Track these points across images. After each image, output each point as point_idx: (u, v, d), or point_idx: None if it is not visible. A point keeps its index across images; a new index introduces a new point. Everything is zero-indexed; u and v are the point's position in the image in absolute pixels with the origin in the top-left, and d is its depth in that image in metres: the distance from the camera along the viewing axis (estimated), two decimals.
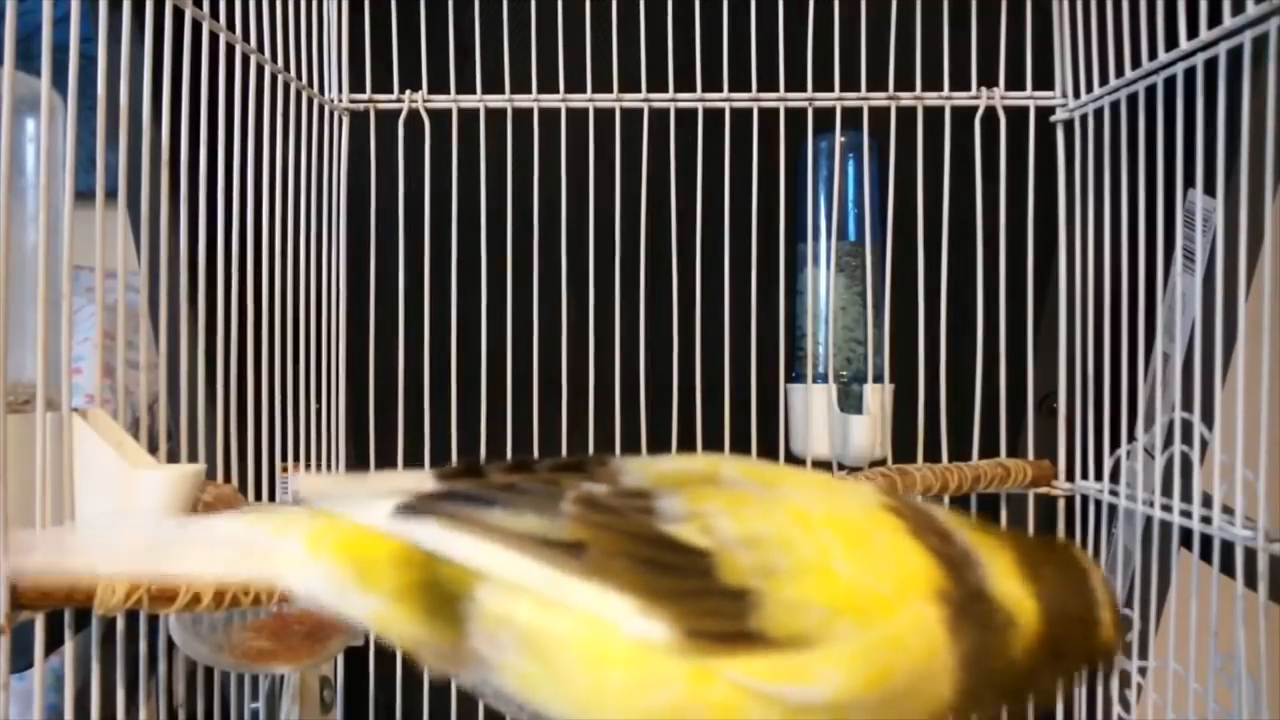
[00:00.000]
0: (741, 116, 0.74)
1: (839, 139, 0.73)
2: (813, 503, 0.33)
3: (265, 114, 0.62)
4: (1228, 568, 0.52)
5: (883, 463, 0.71)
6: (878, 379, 0.73)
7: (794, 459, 0.73)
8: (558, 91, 0.73)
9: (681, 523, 0.31)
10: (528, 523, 0.31)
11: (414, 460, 0.74)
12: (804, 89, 0.73)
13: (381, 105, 0.75)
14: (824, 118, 0.73)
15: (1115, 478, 0.66)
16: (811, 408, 0.72)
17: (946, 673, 0.31)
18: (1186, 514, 0.57)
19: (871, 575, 0.32)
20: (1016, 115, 0.73)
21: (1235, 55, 0.52)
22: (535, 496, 0.32)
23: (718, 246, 0.72)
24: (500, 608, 0.30)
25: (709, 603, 0.30)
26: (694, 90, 0.73)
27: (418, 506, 0.32)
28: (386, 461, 0.74)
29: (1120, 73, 0.65)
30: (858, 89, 0.73)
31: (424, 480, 0.35)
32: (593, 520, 0.31)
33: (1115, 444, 0.67)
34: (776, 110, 0.73)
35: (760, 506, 0.32)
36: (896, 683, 0.31)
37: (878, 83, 0.72)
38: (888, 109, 0.73)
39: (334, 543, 0.32)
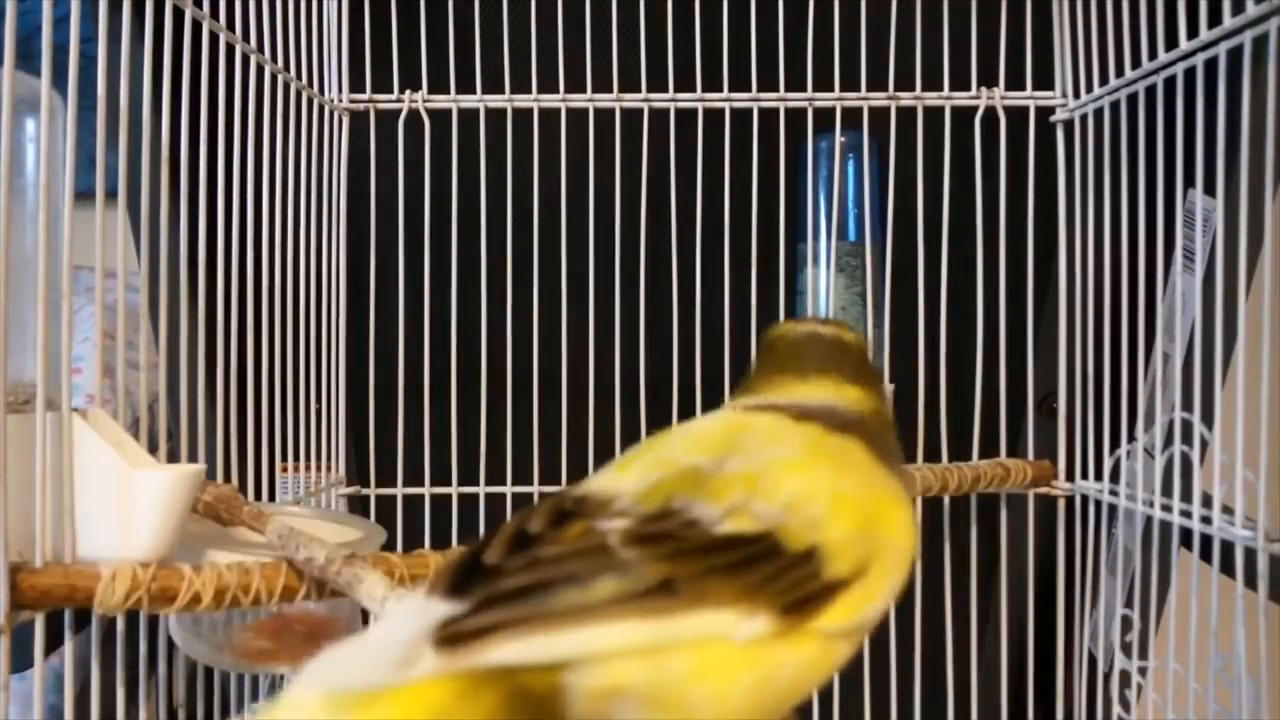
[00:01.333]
0: (741, 116, 0.74)
1: (839, 139, 0.73)
2: (789, 448, 0.35)
3: (265, 114, 0.62)
4: (1228, 568, 0.52)
5: None
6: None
7: None
8: (558, 91, 0.73)
9: (726, 520, 0.31)
10: (605, 586, 0.29)
11: (414, 460, 0.74)
12: (804, 89, 0.73)
13: (381, 105, 0.75)
14: (824, 118, 0.73)
15: (1115, 478, 0.66)
16: None
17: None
18: (1186, 514, 0.57)
19: (868, 487, 0.35)
20: (1016, 115, 0.73)
21: (1235, 55, 0.52)
22: (582, 559, 0.29)
23: (718, 246, 0.72)
24: (602, 681, 0.28)
25: (790, 576, 0.31)
26: (694, 90, 0.73)
27: (466, 634, 0.27)
28: (386, 461, 0.74)
29: (1120, 73, 0.65)
30: (858, 89, 0.73)
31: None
32: (661, 554, 0.30)
33: (1115, 444, 0.67)
34: (776, 110, 0.73)
35: (766, 474, 0.33)
36: (909, 560, 0.34)
37: (878, 83, 0.72)
38: (888, 109, 0.73)
39: None
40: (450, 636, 0.27)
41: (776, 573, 0.30)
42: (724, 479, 0.33)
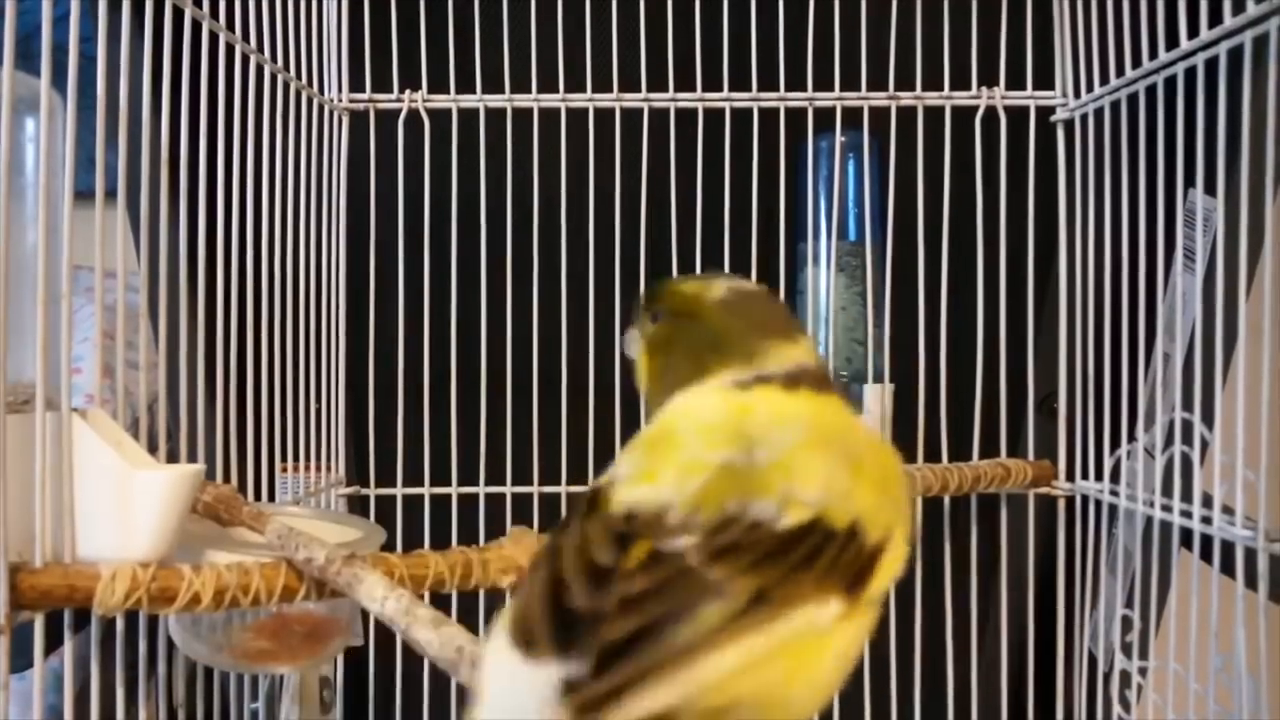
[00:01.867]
0: (742, 116, 0.73)
1: (839, 139, 0.73)
2: (798, 428, 0.35)
3: (265, 114, 0.62)
4: (1228, 568, 0.52)
5: None
6: (878, 379, 0.73)
7: None
8: (557, 91, 0.73)
9: (784, 514, 0.31)
10: (710, 614, 0.28)
11: (413, 460, 0.74)
12: (804, 89, 0.73)
13: (381, 105, 0.75)
14: (824, 117, 0.73)
15: (1116, 478, 0.66)
16: None
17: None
18: (1187, 514, 0.57)
19: (867, 446, 0.36)
20: (1017, 115, 0.73)
21: (1236, 55, 0.52)
22: (676, 590, 0.29)
23: (718, 246, 0.72)
24: (715, 701, 0.28)
25: (846, 556, 0.32)
26: (694, 90, 0.73)
27: (600, 698, 0.27)
28: (386, 461, 0.74)
29: (1121, 72, 0.65)
30: (858, 89, 0.73)
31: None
32: (744, 566, 0.30)
33: (1116, 444, 0.67)
34: (777, 110, 0.73)
35: (795, 460, 0.33)
36: (913, 505, 0.36)
37: (878, 82, 0.72)
38: (888, 109, 0.73)
39: None
40: (585, 704, 0.27)
41: (836, 555, 0.31)
42: (763, 472, 0.33)
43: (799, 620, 0.30)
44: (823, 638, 0.30)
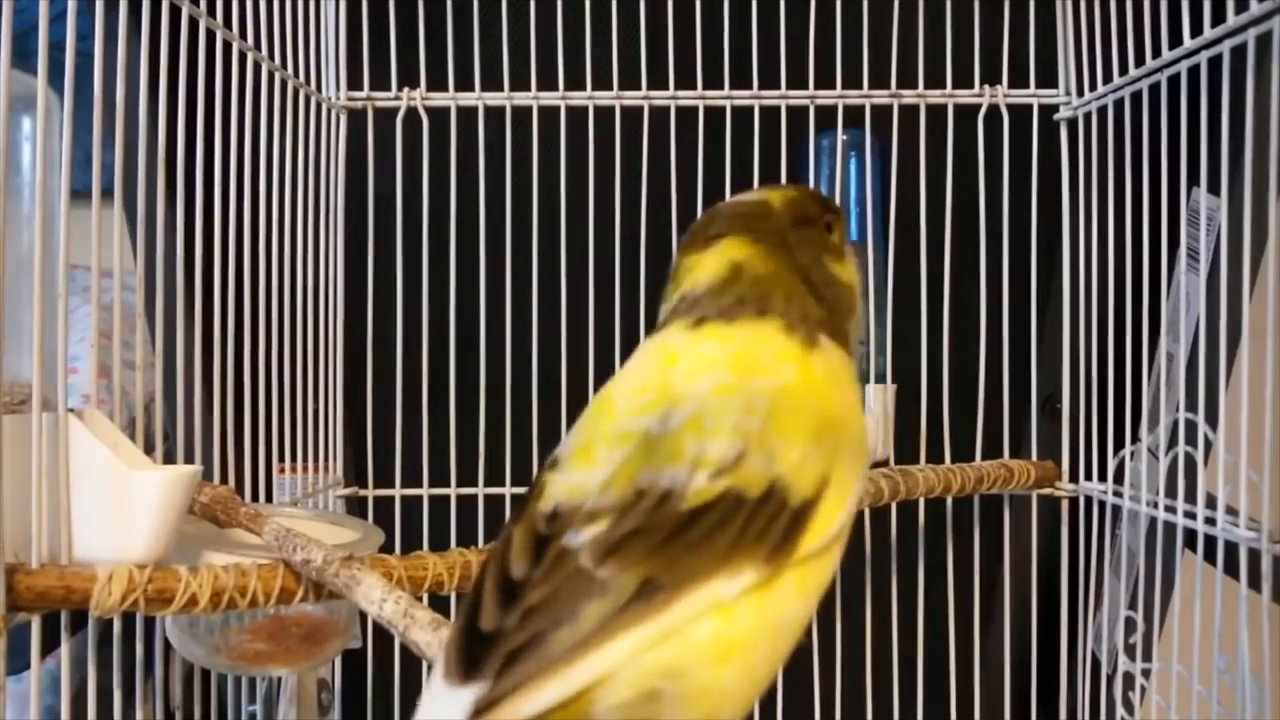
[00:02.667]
0: (743, 114, 0.73)
1: (841, 137, 0.73)
2: (717, 372, 0.34)
3: (262, 112, 0.62)
4: (1232, 569, 0.52)
5: (885, 464, 0.71)
6: (880, 379, 0.73)
7: None
8: (557, 89, 0.73)
9: (694, 476, 0.31)
10: (589, 614, 0.29)
11: (412, 461, 0.74)
12: (806, 87, 0.72)
13: (379, 103, 0.74)
14: (826, 116, 0.73)
15: (1119, 479, 0.66)
16: None
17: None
18: (1190, 515, 0.56)
19: (805, 382, 0.34)
20: (1020, 113, 0.73)
21: (1239, 53, 0.52)
22: (564, 594, 0.29)
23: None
24: (626, 694, 0.28)
25: (758, 523, 0.30)
26: (695, 88, 0.73)
27: (489, 707, 0.28)
28: (384, 462, 0.74)
29: (1124, 70, 0.65)
30: (860, 87, 0.72)
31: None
32: (635, 558, 0.30)
33: (1119, 445, 0.66)
34: (778, 108, 0.73)
35: (707, 413, 0.32)
36: (865, 440, 0.35)
37: (880, 80, 0.72)
38: (890, 107, 0.72)
39: None
40: (478, 714, 0.27)
41: (745, 525, 0.30)
42: (675, 435, 0.32)
43: (699, 601, 0.29)
44: (738, 605, 0.29)
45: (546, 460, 0.35)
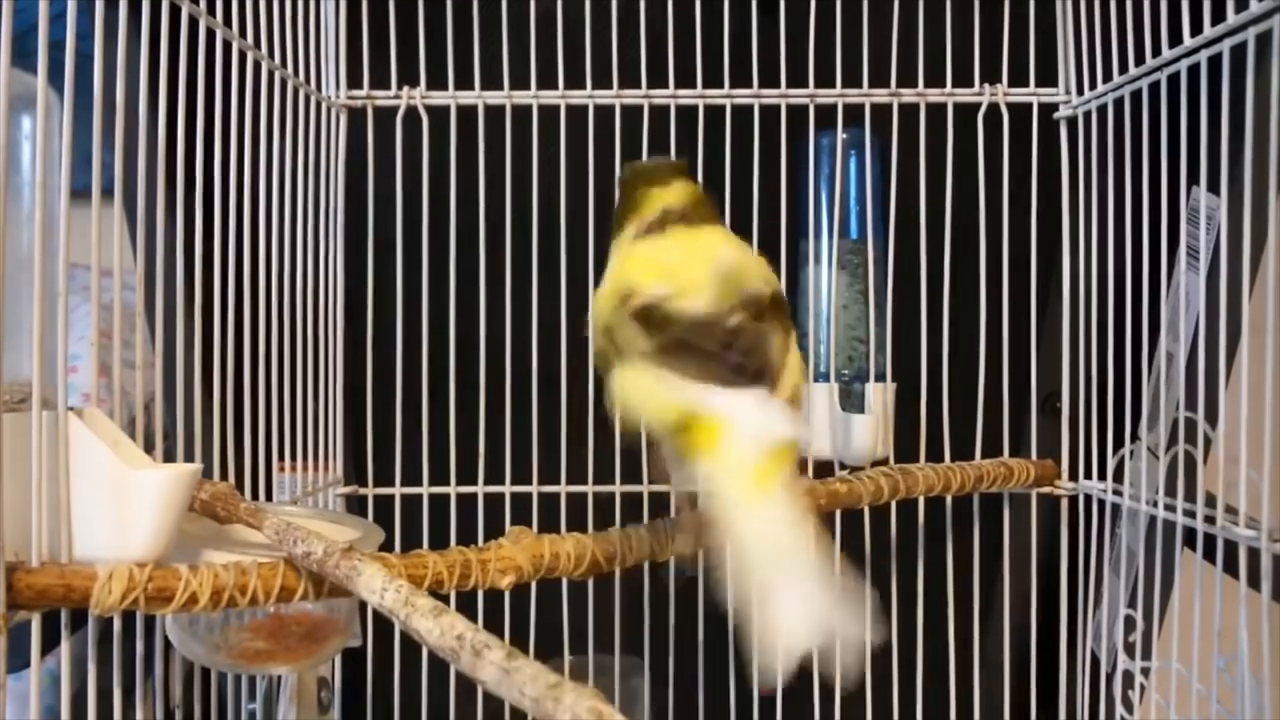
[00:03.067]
0: (742, 113, 0.73)
1: (841, 136, 0.73)
2: (726, 246, 0.51)
3: (262, 111, 0.62)
4: (1231, 568, 0.52)
5: (885, 462, 0.71)
6: (880, 378, 0.73)
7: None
8: (557, 88, 0.73)
9: (765, 290, 0.49)
10: (778, 338, 0.47)
11: (412, 459, 0.74)
12: (806, 85, 0.72)
13: (379, 102, 0.74)
14: (826, 115, 0.73)
15: (1119, 477, 0.66)
16: (813, 407, 0.72)
17: None
18: (1190, 514, 0.56)
19: (741, 251, 0.52)
20: (1020, 112, 0.73)
21: (1239, 52, 0.52)
22: (755, 331, 0.46)
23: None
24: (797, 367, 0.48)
25: (782, 304, 0.50)
26: (694, 87, 0.73)
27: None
28: (384, 459, 0.74)
29: (1124, 69, 0.65)
30: (860, 85, 0.72)
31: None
32: (768, 316, 0.48)
33: (1119, 443, 0.66)
34: (778, 107, 0.73)
35: (744, 267, 0.50)
36: None
37: (880, 79, 0.72)
38: (890, 105, 0.72)
39: None
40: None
41: (781, 304, 0.51)
42: (737, 276, 0.49)
43: (788, 327, 0.49)
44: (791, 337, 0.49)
45: (637, 304, 0.48)
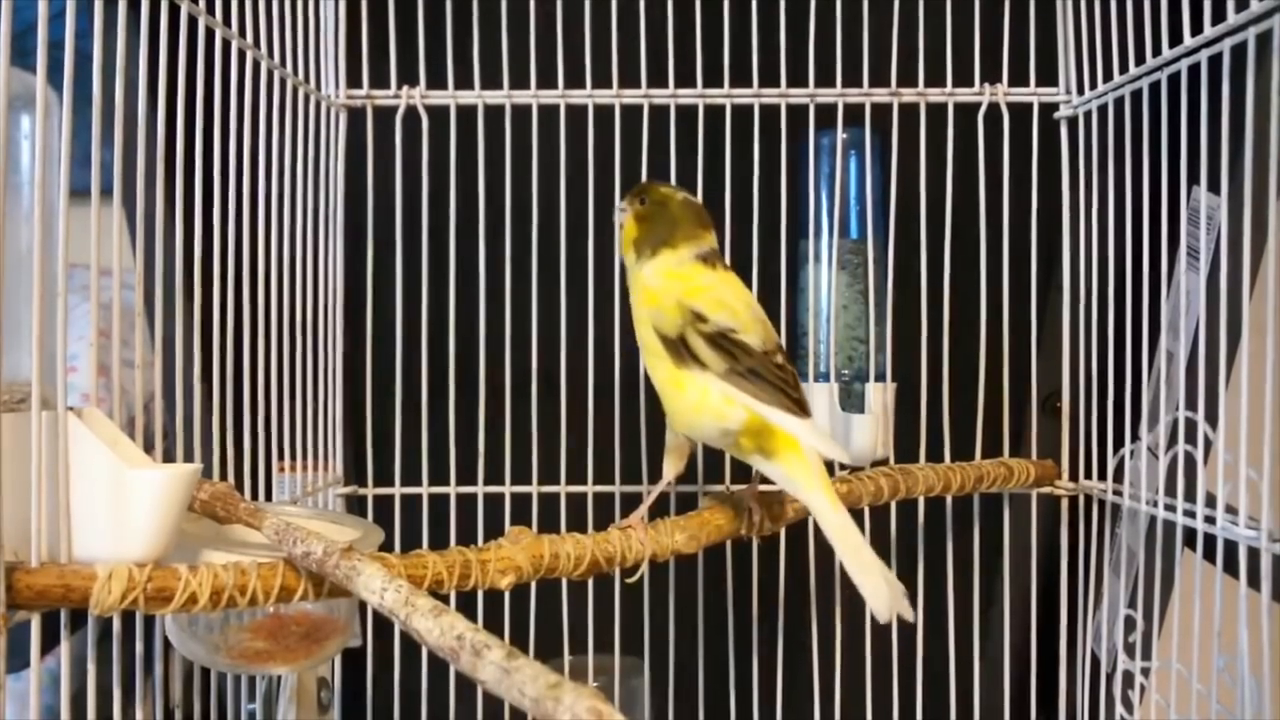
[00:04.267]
0: (742, 113, 0.73)
1: (841, 135, 0.73)
2: (744, 290, 0.60)
3: (262, 110, 0.62)
4: (1231, 568, 0.52)
5: (885, 462, 0.71)
6: (880, 378, 0.73)
7: None
8: (556, 87, 0.73)
9: (777, 344, 0.58)
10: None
11: (411, 459, 0.74)
12: (806, 85, 0.72)
13: (379, 101, 0.74)
14: (826, 114, 0.73)
15: (1119, 477, 0.66)
16: (813, 407, 0.72)
17: None
18: (1190, 514, 0.56)
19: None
20: (1020, 111, 0.73)
21: (1239, 52, 0.52)
22: (790, 369, 0.56)
23: (718, 244, 0.72)
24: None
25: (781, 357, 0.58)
26: (694, 86, 0.73)
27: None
28: (384, 459, 0.74)
29: (1124, 69, 0.65)
30: (860, 85, 0.72)
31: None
32: (785, 360, 0.57)
33: (1119, 443, 0.66)
34: (778, 106, 0.73)
35: (756, 309, 0.58)
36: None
37: (880, 79, 0.72)
38: (890, 105, 0.72)
39: None
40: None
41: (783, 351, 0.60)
42: (763, 321, 0.58)
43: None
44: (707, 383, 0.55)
45: (710, 330, 0.55)
